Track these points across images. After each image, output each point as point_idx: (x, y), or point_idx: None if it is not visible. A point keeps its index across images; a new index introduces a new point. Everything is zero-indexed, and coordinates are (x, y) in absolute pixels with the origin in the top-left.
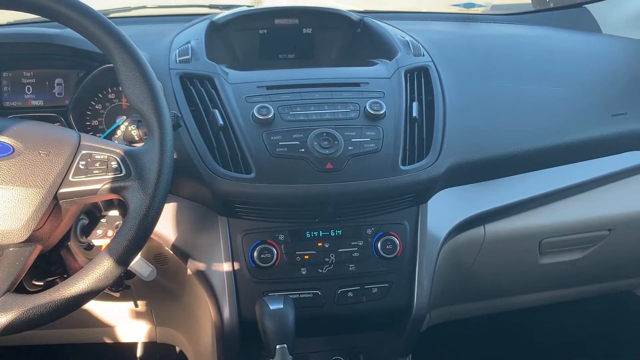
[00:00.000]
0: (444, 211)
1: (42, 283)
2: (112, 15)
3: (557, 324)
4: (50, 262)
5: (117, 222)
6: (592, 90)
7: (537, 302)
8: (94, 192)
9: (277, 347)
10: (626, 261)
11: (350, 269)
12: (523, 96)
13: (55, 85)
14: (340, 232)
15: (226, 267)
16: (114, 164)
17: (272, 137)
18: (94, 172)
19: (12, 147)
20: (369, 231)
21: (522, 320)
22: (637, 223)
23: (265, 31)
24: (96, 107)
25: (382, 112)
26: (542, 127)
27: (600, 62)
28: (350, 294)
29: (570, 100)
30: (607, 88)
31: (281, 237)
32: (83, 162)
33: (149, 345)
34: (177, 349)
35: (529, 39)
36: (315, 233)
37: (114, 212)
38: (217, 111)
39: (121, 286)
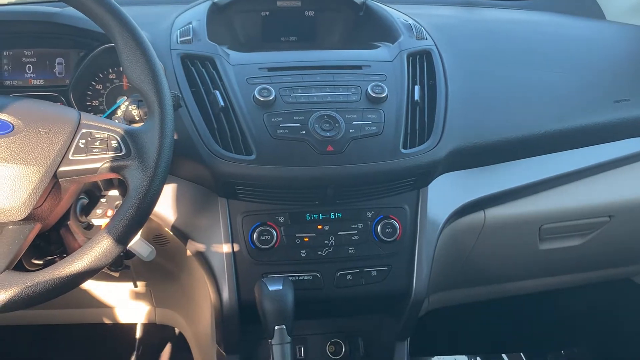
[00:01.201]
0: (444, 195)
1: (41, 262)
2: None
3: (556, 311)
4: (49, 241)
5: (117, 202)
6: (595, 76)
7: (536, 288)
8: (94, 171)
9: (276, 328)
10: (626, 248)
11: (349, 251)
12: (525, 81)
13: (56, 64)
14: (340, 214)
15: (226, 248)
16: (114, 143)
17: (273, 119)
18: (94, 150)
19: (12, 125)
20: (369, 214)
21: (521, 307)
22: (637, 210)
23: (267, 13)
24: (97, 87)
25: (383, 95)
26: (544, 112)
27: (603, 48)
28: (349, 277)
29: (573, 86)
30: (610, 74)
31: (281, 219)
32: (83, 141)
33: (148, 327)
34: (176, 330)
35: (532, 24)
36: (315, 215)
37: (114, 192)
38: (217, 92)
39: (120, 266)
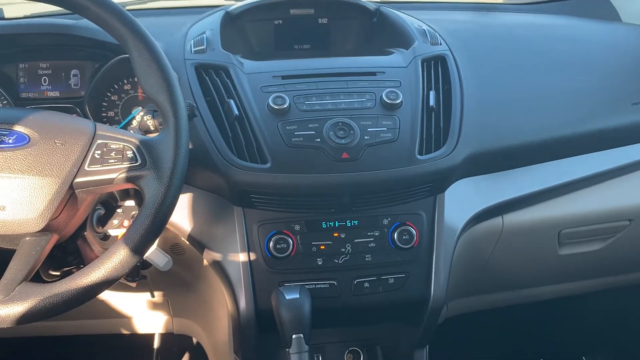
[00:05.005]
0: (461, 201)
1: (58, 273)
2: (128, 7)
3: (577, 316)
4: (66, 252)
5: (133, 212)
6: (612, 79)
7: (556, 293)
8: (110, 182)
9: (294, 336)
10: None
11: (366, 259)
12: (542, 85)
13: (71, 76)
14: (356, 222)
15: (242, 257)
16: (129, 154)
17: (287, 127)
18: (110, 161)
19: (28, 137)
20: (385, 221)
21: (541, 313)
22: None
23: (280, 21)
24: (112, 98)
25: (398, 102)
26: (561, 116)
27: (620, 50)
28: (366, 285)
29: (590, 89)
30: (627, 77)
31: (297, 227)
32: (99, 152)
33: (166, 336)
34: (194, 339)
35: (548, 28)
36: (331, 223)
37: (130, 202)
38: (232, 101)
39: (137, 276)
